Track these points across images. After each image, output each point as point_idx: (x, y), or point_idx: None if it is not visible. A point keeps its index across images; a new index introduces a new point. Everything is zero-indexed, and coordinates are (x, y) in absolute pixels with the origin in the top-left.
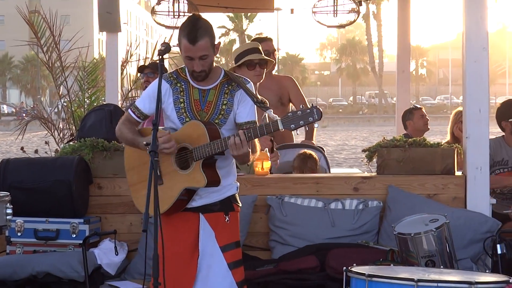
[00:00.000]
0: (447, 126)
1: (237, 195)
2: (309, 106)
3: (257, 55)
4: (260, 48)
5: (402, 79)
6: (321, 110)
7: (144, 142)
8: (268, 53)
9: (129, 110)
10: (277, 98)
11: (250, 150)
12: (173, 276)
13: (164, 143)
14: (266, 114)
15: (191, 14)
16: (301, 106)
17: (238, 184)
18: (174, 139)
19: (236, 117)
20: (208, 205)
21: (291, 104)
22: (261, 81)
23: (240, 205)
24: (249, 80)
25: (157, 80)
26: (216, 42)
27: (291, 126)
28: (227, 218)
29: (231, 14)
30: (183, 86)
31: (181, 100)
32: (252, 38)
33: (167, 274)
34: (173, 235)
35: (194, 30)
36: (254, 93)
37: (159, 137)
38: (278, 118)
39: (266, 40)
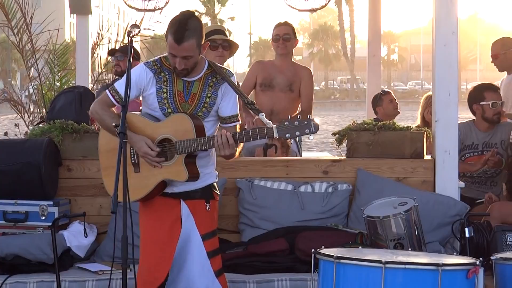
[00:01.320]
0: (417, 112)
1: (216, 183)
2: (307, 118)
3: (220, 36)
4: (225, 30)
5: (372, 63)
6: (318, 124)
7: (113, 124)
8: (278, 38)
9: (107, 92)
10: (288, 83)
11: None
12: (149, 259)
13: (150, 156)
14: (259, 117)
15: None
16: (298, 117)
17: (217, 173)
18: (155, 128)
19: (219, 111)
20: (189, 192)
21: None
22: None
23: (219, 193)
24: (232, 72)
25: (138, 66)
26: (203, 42)
27: (286, 135)
28: (208, 206)
29: None
30: (167, 76)
31: (164, 90)
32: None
33: (144, 256)
34: (152, 219)
35: (182, 30)
36: (238, 87)
37: (151, 148)
38: (273, 125)
39: (281, 25)
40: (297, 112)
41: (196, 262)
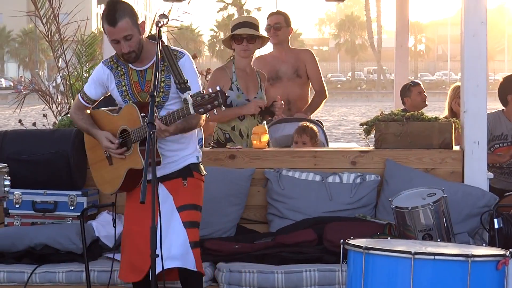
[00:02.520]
0: (445, 102)
1: (199, 164)
2: (216, 90)
3: (245, 30)
4: (256, 22)
5: (400, 54)
6: (226, 94)
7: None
8: (270, 28)
9: (78, 96)
10: (293, 70)
11: (181, 128)
12: (136, 247)
13: (112, 149)
14: (184, 96)
15: None
16: (209, 90)
17: (200, 153)
18: (115, 121)
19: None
20: (166, 175)
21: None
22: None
23: (204, 173)
24: (185, 52)
25: (98, 66)
26: (140, 22)
27: (200, 110)
28: (184, 183)
29: None
30: (123, 70)
31: (123, 83)
32: (271, 14)
33: (130, 245)
34: (136, 207)
35: (113, 12)
36: (180, 70)
37: (110, 141)
38: (190, 102)
39: (273, 15)
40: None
41: (173, 231)
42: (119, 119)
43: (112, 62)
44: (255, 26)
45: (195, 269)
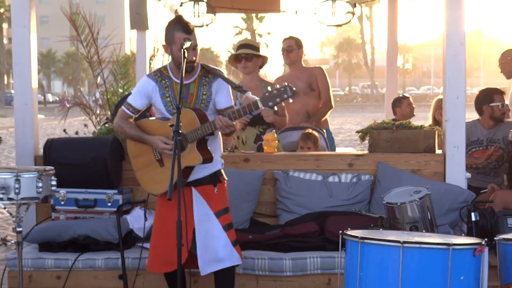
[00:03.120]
0: (429, 113)
1: (222, 170)
2: (284, 84)
3: (243, 50)
4: (254, 43)
5: (390, 71)
6: (293, 88)
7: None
8: (283, 51)
9: (123, 108)
10: (307, 85)
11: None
12: (165, 243)
13: (168, 149)
14: (246, 96)
15: (212, 14)
16: (276, 86)
17: (223, 160)
18: (167, 126)
19: (216, 105)
20: (198, 180)
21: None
22: (250, 73)
23: (226, 178)
24: (222, 71)
25: (142, 79)
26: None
27: (269, 103)
28: (215, 189)
29: (243, 15)
30: (167, 83)
31: (167, 95)
32: (288, 38)
33: (159, 240)
34: (171, 205)
35: (186, 23)
36: (232, 81)
37: (165, 142)
38: (257, 98)
39: (286, 39)
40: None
41: (214, 236)
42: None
43: (156, 76)
44: (252, 47)
45: (240, 262)
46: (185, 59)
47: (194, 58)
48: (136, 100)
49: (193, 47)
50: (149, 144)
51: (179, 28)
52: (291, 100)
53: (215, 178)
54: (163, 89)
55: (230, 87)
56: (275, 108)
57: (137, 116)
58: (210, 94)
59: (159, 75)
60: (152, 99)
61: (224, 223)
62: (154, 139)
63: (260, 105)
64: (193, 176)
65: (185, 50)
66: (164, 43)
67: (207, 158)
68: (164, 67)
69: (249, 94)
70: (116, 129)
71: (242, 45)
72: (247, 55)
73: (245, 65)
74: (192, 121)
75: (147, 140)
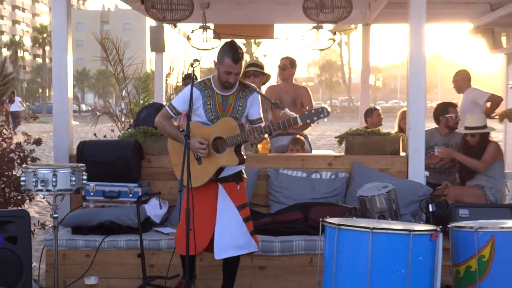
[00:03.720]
0: (395, 122)
1: (243, 169)
2: (322, 106)
3: (251, 68)
4: (260, 64)
5: (364, 88)
6: (328, 109)
7: (180, 129)
8: (279, 68)
9: (167, 108)
10: (292, 100)
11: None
12: (198, 226)
13: (202, 149)
14: (284, 111)
15: (229, 40)
16: (314, 107)
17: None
18: (209, 130)
19: (248, 115)
20: (224, 177)
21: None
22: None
23: (246, 177)
24: (255, 87)
25: (189, 86)
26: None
27: (307, 121)
28: (238, 187)
29: (244, 41)
30: (210, 93)
31: (208, 103)
32: (284, 58)
33: (195, 224)
34: (200, 198)
35: (238, 54)
36: (267, 96)
37: (200, 143)
38: (296, 115)
39: (282, 58)
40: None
41: (235, 225)
42: (214, 129)
43: (201, 86)
44: (259, 66)
45: (257, 250)
46: (194, 74)
47: (232, 82)
48: (180, 103)
49: (235, 73)
50: (181, 141)
51: (229, 55)
52: (326, 120)
53: (238, 177)
54: (205, 97)
55: (260, 101)
56: (311, 124)
57: (176, 117)
58: (245, 106)
59: (203, 86)
60: (195, 105)
61: (244, 215)
62: (193, 139)
63: (299, 121)
64: (221, 174)
65: (194, 68)
66: (215, 60)
67: (241, 160)
68: (208, 79)
69: (287, 110)
70: (157, 124)
71: (251, 64)
72: (255, 72)
73: (253, 81)
74: (233, 128)
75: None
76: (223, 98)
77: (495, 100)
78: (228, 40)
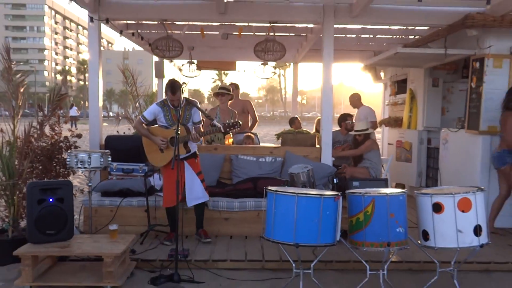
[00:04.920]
0: (313, 126)
1: (197, 151)
2: (235, 121)
3: (221, 90)
4: (229, 87)
5: (294, 104)
6: (240, 123)
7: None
8: (231, 90)
9: (140, 118)
10: (241, 110)
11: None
12: (170, 191)
13: (163, 144)
14: (213, 122)
15: (171, 78)
16: (231, 119)
17: (197, 147)
18: (167, 132)
19: (192, 120)
20: (186, 157)
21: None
22: (230, 102)
23: (198, 154)
24: (197, 101)
25: (155, 105)
26: (177, 93)
27: (227, 130)
28: (196, 160)
29: (217, 72)
30: (167, 108)
31: (167, 114)
32: (230, 83)
33: (167, 189)
34: (169, 171)
35: (174, 89)
36: (202, 109)
37: (162, 140)
38: (220, 126)
39: (231, 84)
40: (251, 123)
41: (197, 185)
42: (170, 131)
43: (161, 105)
44: (226, 89)
45: (208, 199)
46: (182, 91)
47: (176, 105)
48: (149, 115)
49: (176, 99)
50: (152, 141)
51: (170, 90)
52: (237, 129)
53: (194, 155)
54: (165, 111)
55: (200, 112)
56: (231, 132)
57: (147, 123)
58: (190, 115)
59: (163, 104)
60: (158, 116)
61: (201, 178)
62: (156, 138)
63: (222, 130)
64: (183, 156)
65: (182, 88)
66: (165, 90)
67: (188, 150)
68: (166, 100)
69: (215, 121)
70: (135, 128)
71: (221, 87)
72: (223, 93)
73: (221, 99)
74: (183, 131)
75: (152, 138)
76: (176, 111)
77: (374, 124)
78: (177, 78)
